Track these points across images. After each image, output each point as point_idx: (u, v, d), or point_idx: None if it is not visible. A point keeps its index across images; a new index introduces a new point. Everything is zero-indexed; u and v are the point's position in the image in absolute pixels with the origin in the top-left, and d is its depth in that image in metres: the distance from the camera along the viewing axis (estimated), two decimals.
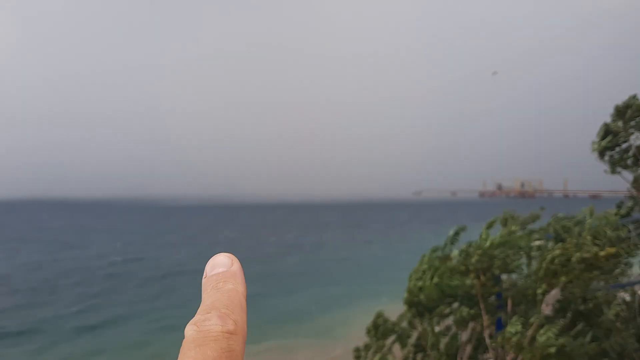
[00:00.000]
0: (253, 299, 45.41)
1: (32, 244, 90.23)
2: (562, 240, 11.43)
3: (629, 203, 18.84)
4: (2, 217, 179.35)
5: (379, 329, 14.17)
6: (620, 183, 19.98)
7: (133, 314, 41.68)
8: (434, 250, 14.24)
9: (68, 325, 37.96)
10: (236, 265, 0.72)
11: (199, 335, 0.61)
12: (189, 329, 0.63)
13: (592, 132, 19.84)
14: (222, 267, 0.70)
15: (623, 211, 17.50)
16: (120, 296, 48.52)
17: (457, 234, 14.25)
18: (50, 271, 61.34)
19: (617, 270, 12.22)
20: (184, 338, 0.69)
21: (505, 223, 13.77)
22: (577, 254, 10.14)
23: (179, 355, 0.62)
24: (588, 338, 10.42)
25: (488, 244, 12.48)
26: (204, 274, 0.71)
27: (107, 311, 42.14)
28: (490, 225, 13.65)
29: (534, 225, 14.24)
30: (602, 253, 10.12)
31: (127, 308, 43.81)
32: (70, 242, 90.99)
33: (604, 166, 20.29)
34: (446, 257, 13.66)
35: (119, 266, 66.12)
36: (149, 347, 34.59)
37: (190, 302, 44.39)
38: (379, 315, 14.56)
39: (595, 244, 10.34)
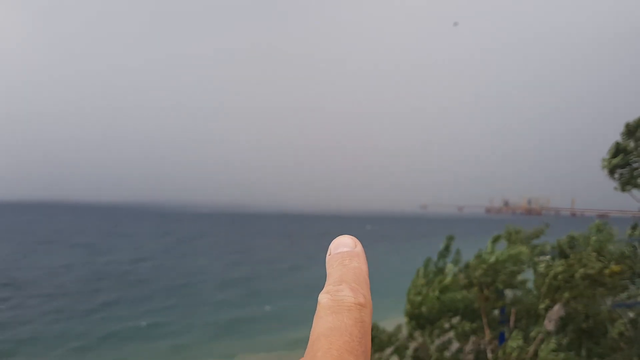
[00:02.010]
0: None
1: (51, 247, 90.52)
2: (566, 256, 11.37)
3: None
4: (17, 218, 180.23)
5: (375, 340, 14.12)
6: (629, 203, 19.91)
7: (160, 323, 41.39)
8: (428, 262, 14.21)
9: (95, 333, 37.86)
10: (359, 247, 0.75)
11: (333, 304, 0.66)
12: (324, 297, 0.67)
13: (601, 151, 19.85)
14: (346, 247, 0.74)
15: (638, 232, 17.37)
16: (145, 303, 48.29)
17: (447, 246, 14.25)
18: (74, 276, 61.12)
19: (623, 289, 12.13)
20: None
21: (509, 238, 13.74)
22: (581, 270, 10.09)
23: (315, 319, 0.67)
24: (584, 352, 10.35)
25: (493, 259, 12.46)
26: (328, 251, 0.75)
27: (132, 319, 41.87)
28: (496, 240, 13.64)
29: (539, 241, 14.22)
30: (606, 271, 10.05)
31: (152, 316, 43.51)
32: (90, 247, 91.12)
33: (612, 185, 20.23)
34: (441, 270, 13.63)
35: (142, 273, 65.93)
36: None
37: (213, 314, 44.39)
38: (374, 327, 14.50)
39: (599, 261, 10.27)
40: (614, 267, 10.22)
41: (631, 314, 14.96)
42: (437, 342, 13.53)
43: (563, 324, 10.82)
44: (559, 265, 10.66)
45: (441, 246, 14.20)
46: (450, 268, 13.18)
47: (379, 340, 13.99)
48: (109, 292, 51.63)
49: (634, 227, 19.29)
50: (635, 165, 19.25)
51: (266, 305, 47.50)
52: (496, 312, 13.23)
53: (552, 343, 9.67)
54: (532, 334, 10.35)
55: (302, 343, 34.55)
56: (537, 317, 11.44)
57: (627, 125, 19.29)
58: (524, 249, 13.02)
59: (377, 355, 14.24)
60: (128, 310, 44.72)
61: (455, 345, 14.10)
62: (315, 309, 0.72)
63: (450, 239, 14.09)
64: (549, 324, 10.53)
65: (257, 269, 69.04)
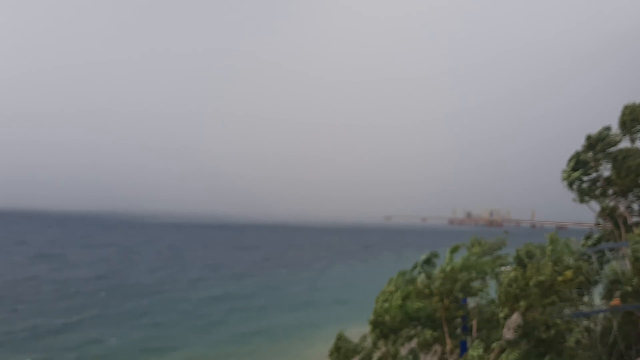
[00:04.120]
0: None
1: (18, 258, 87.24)
2: (525, 266, 11.64)
3: (597, 234, 19.23)
4: None
5: (341, 350, 14.17)
6: (585, 215, 20.47)
7: (113, 335, 40.32)
8: (402, 273, 14.36)
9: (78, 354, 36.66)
10: None
11: None
12: None
13: (560, 166, 20.38)
14: None
15: (590, 242, 17.86)
16: (100, 318, 47.04)
17: (428, 259, 14.43)
18: (46, 290, 58.93)
19: (577, 298, 12.47)
20: None
21: (471, 248, 14.00)
22: (534, 278, 10.33)
23: None
24: None
25: (450, 267, 12.68)
26: None
27: (86, 334, 40.61)
28: (454, 250, 13.88)
29: (501, 252, 14.53)
30: (559, 278, 10.30)
31: (105, 329, 42.31)
32: (59, 258, 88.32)
33: (570, 198, 20.78)
34: (413, 280, 13.78)
35: (118, 287, 64.33)
36: None
37: (201, 331, 43.58)
38: (340, 337, 14.58)
39: (555, 270, 10.53)
40: (567, 273, 10.49)
41: (587, 323, 15.37)
42: (401, 350, 13.64)
43: (523, 333, 11.05)
44: (513, 272, 10.92)
45: (422, 257, 14.40)
46: (421, 279, 13.35)
47: (345, 350, 14.04)
48: (87, 308, 50.12)
49: (587, 237, 19.83)
50: (593, 176, 19.86)
51: (250, 321, 47.22)
52: (458, 321, 13.42)
53: (515, 353, 9.84)
54: (494, 344, 10.53)
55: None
56: (497, 326, 11.65)
57: (588, 138, 19.90)
58: (476, 250, 13.33)
59: None
60: (83, 326, 43.52)
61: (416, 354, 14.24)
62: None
63: (435, 255, 14.32)
64: (508, 333, 10.74)
65: (232, 283, 68.26)
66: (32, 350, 35.94)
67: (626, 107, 19.41)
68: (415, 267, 14.45)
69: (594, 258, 15.22)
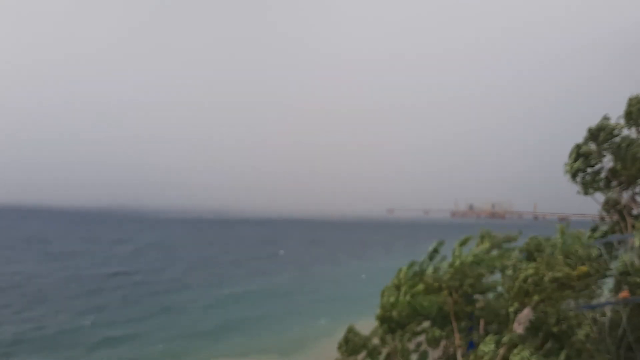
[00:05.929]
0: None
1: (25, 253, 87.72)
2: (534, 259, 11.48)
3: (603, 227, 19.10)
4: None
5: (349, 344, 14.04)
6: (588, 206, 20.35)
7: (131, 334, 40.41)
8: (411, 265, 14.17)
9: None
10: None
11: None
12: None
13: (562, 157, 20.25)
14: None
15: (597, 234, 17.71)
16: (120, 314, 47.17)
17: (436, 250, 14.24)
18: (44, 284, 59.21)
19: (588, 291, 12.31)
20: None
21: (482, 241, 13.83)
22: (550, 273, 10.17)
23: None
24: (562, 357, 10.44)
25: (459, 262, 12.52)
26: None
27: (102, 332, 40.77)
28: (463, 243, 13.69)
29: (509, 246, 14.35)
30: (574, 272, 10.15)
31: (125, 327, 42.41)
32: (63, 253, 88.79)
33: (571, 190, 20.67)
34: (422, 273, 13.60)
35: (116, 280, 64.82)
36: None
37: (187, 323, 43.60)
38: (350, 330, 14.44)
39: (567, 264, 10.38)
40: (581, 268, 10.34)
41: (595, 316, 15.25)
42: (408, 346, 13.50)
43: (533, 327, 10.90)
44: (529, 269, 10.72)
45: (430, 248, 14.21)
46: (430, 271, 13.18)
47: (352, 344, 13.91)
48: (107, 306, 50.27)
49: (593, 229, 19.73)
50: (596, 168, 19.74)
51: (264, 320, 47.38)
52: (466, 316, 13.29)
53: (526, 350, 9.70)
54: (504, 339, 10.37)
55: None
56: (507, 321, 11.50)
57: (590, 130, 19.78)
58: (486, 244, 13.16)
59: (351, 359, 14.15)
60: (103, 321, 43.67)
61: (423, 350, 14.11)
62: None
63: (441, 243, 14.13)
64: (519, 327, 10.60)
65: (237, 283, 68.20)
66: (47, 348, 36.17)
67: (632, 99, 19.30)
68: (423, 261, 14.29)
69: (603, 250, 15.08)
